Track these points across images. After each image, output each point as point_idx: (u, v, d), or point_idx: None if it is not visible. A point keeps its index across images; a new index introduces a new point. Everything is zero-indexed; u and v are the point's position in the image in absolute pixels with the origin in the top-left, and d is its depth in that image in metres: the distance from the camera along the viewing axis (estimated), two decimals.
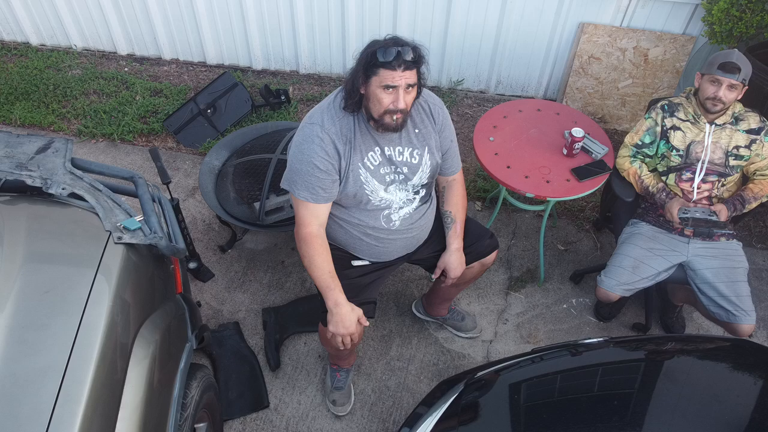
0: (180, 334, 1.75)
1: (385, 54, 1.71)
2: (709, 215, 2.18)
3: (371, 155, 1.90)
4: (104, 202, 1.69)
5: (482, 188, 3.14)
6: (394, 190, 1.96)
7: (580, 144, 2.36)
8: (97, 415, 1.30)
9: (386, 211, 1.98)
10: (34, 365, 1.29)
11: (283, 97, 3.48)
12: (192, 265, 2.73)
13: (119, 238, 1.60)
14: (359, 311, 1.94)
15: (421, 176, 1.99)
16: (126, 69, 3.80)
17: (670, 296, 2.60)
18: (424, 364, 2.53)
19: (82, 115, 3.48)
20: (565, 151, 2.39)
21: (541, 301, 2.75)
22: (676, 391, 1.61)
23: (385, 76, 1.72)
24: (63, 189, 1.68)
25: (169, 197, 2.45)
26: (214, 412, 2.06)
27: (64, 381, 1.28)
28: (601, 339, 1.88)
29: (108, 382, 1.37)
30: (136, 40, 3.81)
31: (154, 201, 1.91)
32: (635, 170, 2.32)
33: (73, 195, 1.70)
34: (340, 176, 1.88)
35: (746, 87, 2.10)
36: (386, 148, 1.91)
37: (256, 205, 2.61)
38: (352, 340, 1.96)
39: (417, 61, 1.76)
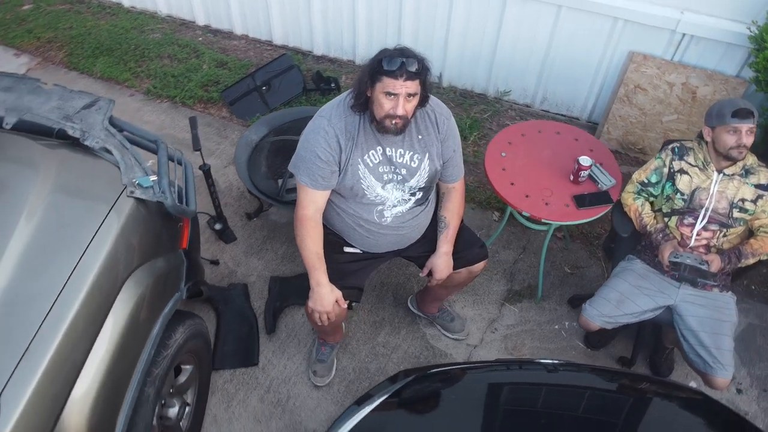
0: (172, 283, 1.99)
1: (389, 63, 1.85)
2: (699, 263, 2.17)
3: (372, 153, 2.05)
4: (128, 159, 1.94)
5: None
6: (391, 189, 2.11)
7: (587, 172, 2.40)
8: (78, 335, 1.55)
9: (380, 207, 2.13)
10: (35, 288, 1.55)
11: (333, 85, 3.67)
12: (218, 226, 3.00)
13: (132, 192, 1.84)
14: (338, 293, 2.11)
15: (419, 180, 2.12)
16: (200, 39, 4.12)
17: (663, 337, 2.60)
18: (407, 355, 2.67)
19: (154, 76, 3.83)
20: (571, 177, 2.44)
21: (534, 318, 2.81)
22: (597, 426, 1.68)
23: (388, 83, 1.86)
24: (96, 142, 1.95)
25: (202, 163, 2.71)
26: (201, 359, 2.30)
27: (55, 303, 1.54)
28: (557, 361, 1.96)
29: (94, 310, 1.61)
30: (214, 13, 4.12)
31: (174, 161, 2.16)
32: (637, 207, 2.34)
33: (104, 149, 1.96)
34: (339, 168, 2.04)
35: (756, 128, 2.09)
36: (388, 149, 2.06)
37: (280, 182, 2.83)
38: (329, 318, 2.14)
39: (420, 73, 1.89)
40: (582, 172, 2.39)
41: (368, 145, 2.04)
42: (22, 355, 1.44)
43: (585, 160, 2.37)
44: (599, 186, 2.43)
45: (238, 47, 4.07)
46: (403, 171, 2.09)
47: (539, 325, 2.79)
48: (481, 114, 3.66)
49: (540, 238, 3.11)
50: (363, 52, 3.87)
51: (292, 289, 2.84)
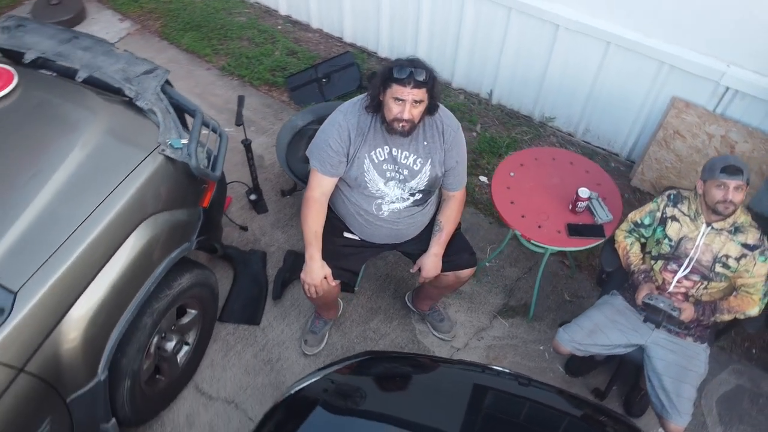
0: (185, 233, 2.30)
1: (399, 72, 2.06)
2: (672, 309, 2.22)
3: (379, 151, 2.27)
4: (168, 122, 2.27)
5: None
6: (393, 186, 2.32)
7: (585, 204, 2.50)
8: (92, 256, 1.89)
9: (378, 201, 2.34)
10: (69, 207, 1.90)
11: None
12: (253, 197, 3.31)
13: (162, 150, 2.17)
14: (328, 271, 2.35)
15: (419, 182, 2.32)
16: (279, 27, 4.47)
17: (641, 378, 2.64)
18: (393, 344, 2.87)
19: (231, 55, 4.22)
20: (570, 207, 2.54)
21: (521, 335, 2.92)
22: None
23: (396, 90, 2.08)
24: (146, 104, 2.29)
25: (244, 137, 3.03)
26: (206, 307, 2.61)
27: (82, 224, 1.88)
28: (505, 370, 2.09)
29: (111, 238, 1.95)
30: (295, 5, 4.47)
31: (212, 130, 2.46)
32: (625, 245, 2.41)
33: (151, 110, 2.29)
34: (347, 159, 2.27)
35: (747, 186, 2.11)
36: (394, 149, 2.27)
37: (309, 165, 3.09)
38: (317, 291, 2.38)
39: (427, 82, 2.08)
40: (580, 203, 2.49)
41: (376, 143, 2.26)
42: (43, 264, 1.78)
43: (584, 192, 2.47)
44: (595, 219, 2.52)
45: (311, 39, 4.39)
46: (405, 171, 2.29)
47: (525, 342, 2.90)
48: (521, 135, 3.76)
49: (550, 263, 3.20)
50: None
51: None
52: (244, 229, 3.26)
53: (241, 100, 2.91)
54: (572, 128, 3.76)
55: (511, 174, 2.69)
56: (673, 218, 2.29)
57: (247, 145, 3.04)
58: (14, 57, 2.44)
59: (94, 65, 2.39)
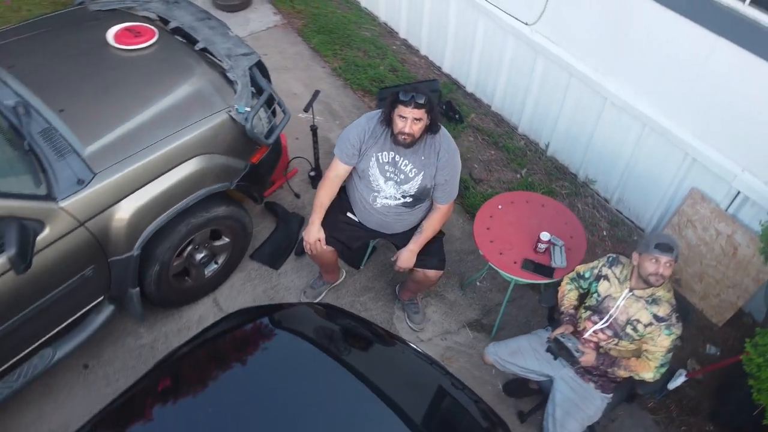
0: (229, 176, 3.05)
1: (403, 95, 2.65)
2: (575, 350, 2.54)
3: (384, 153, 2.86)
4: (243, 93, 3.05)
5: None
6: (391, 185, 2.90)
7: (545, 246, 2.87)
8: (156, 165, 2.71)
9: (375, 194, 2.93)
10: (165, 122, 2.77)
11: (457, 116, 4.44)
12: (312, 173, 4.04)
13: (229, 111, 2.95)
14: (322, 235, 2.98)
15: (411, 187, 2.88)
16: (394, 47, 5.19)
17: None
18: (371, 318, 3.41)
19: (345, 60, 5.01)
20: (533, 246, 2.93)
21: (480, 348, 3.32)
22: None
23: (401, 109, 2.66)
24: (232, 76, 3.10)
25: (312, 123, 3.76)
26: (237, 238, 3.35)
27: (159, 142, 2.71)
28: (421, 351, 2.57)
29: (174, 158, 2.76)
30: (412, 31, 5.15)
31: (277, 104, 3.22)
32: (564, 290, 2.76)
33: (235, 82, 3.09)
34: (359, 153, 2.89)
35: (675, 263, 2.42)
36: (397, 156, 2.85)
37: None
38: (311, 250, 3.02)
39: (425, 105, 2.64)
40: (540, 244, 2.87)
41: (384, 147, 2.85)
42: (121, 161, 2.62)
43: (544, 236, 2.85)
44: (551, 262, 2.88)
45: (416, 63, 5.04)
46: (402, 176, 2.86)
47: (480, 354, 3.29)
48: (560, 189, 4.10)
49: (528, 297, 3.56)
50: (498, 102, 4.56)
51: None
52: (297, 196, 3.99)
53: (315, 94, 3.65)
54: (609, 194, 4.03)
55: (499, 207, 3.13)
56: (606, 277, 2.61)
57: (314, 130, 3.77)
58: (164, 22, 3.39)
59: (211, 40, 3.25)
